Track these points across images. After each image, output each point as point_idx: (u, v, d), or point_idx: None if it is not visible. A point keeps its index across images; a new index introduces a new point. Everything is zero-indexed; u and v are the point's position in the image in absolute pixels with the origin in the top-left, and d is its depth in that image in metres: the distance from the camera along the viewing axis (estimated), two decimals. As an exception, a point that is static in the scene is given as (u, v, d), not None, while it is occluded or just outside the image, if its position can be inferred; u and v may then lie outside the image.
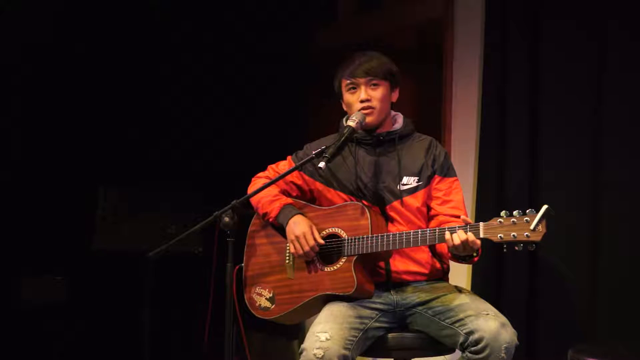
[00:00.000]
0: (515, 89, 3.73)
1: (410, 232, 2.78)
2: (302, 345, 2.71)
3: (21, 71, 4.26)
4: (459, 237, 2.64)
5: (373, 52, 3.05)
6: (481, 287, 3.76)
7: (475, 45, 3.98)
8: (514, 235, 2.56)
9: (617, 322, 3.31)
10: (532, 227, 2.53)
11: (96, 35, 4.46)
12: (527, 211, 2.56)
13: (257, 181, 3.16)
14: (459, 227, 2.66)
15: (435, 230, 2.73)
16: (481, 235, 2.62)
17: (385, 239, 2.80)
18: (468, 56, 4.03)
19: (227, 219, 2.80)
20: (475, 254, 2.72)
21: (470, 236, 2.63)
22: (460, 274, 3.76)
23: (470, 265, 3.83)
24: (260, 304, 3.04)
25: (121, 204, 4.27)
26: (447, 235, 2.67)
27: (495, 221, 2.61)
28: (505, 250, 2.60)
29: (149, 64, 4.61)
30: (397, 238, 2.78)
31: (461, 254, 2.70)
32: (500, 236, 2.59)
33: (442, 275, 3.00)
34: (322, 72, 4.74)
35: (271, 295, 3.02)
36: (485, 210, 3.69)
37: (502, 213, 2.60)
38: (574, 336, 3.32)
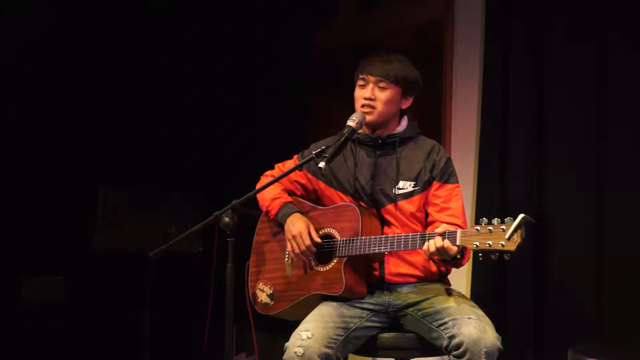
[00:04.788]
0: (516, 89, 3.73)
1: (394, 236, 2.81)
2: (286, 344, 2.75)
3: (21, 71, 4.26)
4: (434, 243, 2.65)
5: (397, 54, 3.03)
6: (482, 288, 3.77)
7: (475, 45, 3.98)
8: (489, 243, 2.52)
9: (623, 322, 3.31)
10: (507, 236, 2.48)
11: (96, 35, 4.46)
12: (506, 219, 2.52)
13: (264, 179, 3.17)
14: (437, 233, 2.66)
15: (417, 235, 2.75)
16: (458, 243, 2.61)
17: (372, 242, 2.83)
18: (468, 56, 4.03)
19: (227, 219, 2.80)
20: (459, 256, 2.70)
21: (446, 243, 2.63)
22: (461, 274, 3.76)
23: (471, 267, 3.84)
24: (261, 300, 3.08)
25: (121, 204, 4.27)
26: (424, 243, 2.68)
27: (473, 229, 2.58)
28: (480, 258, 2.57)
29: (150, 64, 4.61)
30: (382, 241, 2.81)
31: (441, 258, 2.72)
32: (476, 244, 2.55)
33: (437, 278, 2.99)
34: (322, 72, 4.76)
35: (271, 291, 3.05)
36: (485, 210, 3.69)
37: (482, 220, 2.57)
38: (579, 336, 3.31)
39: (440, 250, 2.64)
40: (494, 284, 3.73)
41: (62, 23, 4.35)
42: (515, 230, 2.47)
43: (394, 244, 2.79)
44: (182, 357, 4.55)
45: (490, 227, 2.54)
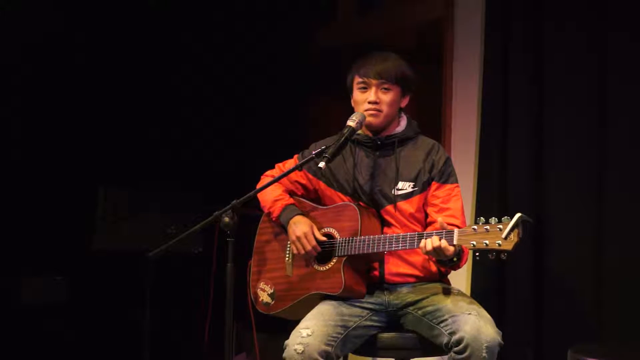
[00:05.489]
0: (516, 89, 3.73)
1: (393, 236, 2.81)
2: (286, 342, 2.76)
3: (21, 71, 4.26)
4: (431, 243, 2.65)
5: (390, 53, 3.03)
6: (482, 288, 3.77)
7: (475, 45, 3.98)
8: (485, 243, 2.52)
9: (623, 322, 3.30)
10: (503, 235, 2.48)
11: (96, 35, 4.45)
12: (503, 219, 2.52)
13: (265, 179, 3.18)
14: (435, 233, 2.67)
15: (415, 235, 2.75)
16: (455, 242, 2.62)
17: (371, 242, 2.83)
18: (468, 56, 4.03)
19: (227, 219, 2.80)
20: (456, 259, 2.71)
21: (443, 243, 2.63)
22: (460, 274, 3.76)
23: (471, 267, 3.84)
24: (262, 299, 3.09)
25: (121, 204, 4.27)
26: (421, 241, 2.68)
27: (470, 228, 2.58)
28: (477, 257, 2.57)
29: (150, 64, 4.61)
30: (381, 241, 2.82)
31: (437, 258, 2.72)
32: (472, 243, 2.55)
33: (437, 277, 2.99)
34: (322, 72, 4.76)
35: (272, 291, 3.06)
36: (485, 210, 3.69)
37: (479, 220, 2.57)
38: (579, 336, 3.31)
39: (437, 250, 2.64)
40: (494, 284, 3.73)
41: (62, 23, 4.35)
42: (512, 230, 2.48)
43: (393, 244, 2.80)
44: (182, 357, 4.56)
45: (487, 227, 2.54)
